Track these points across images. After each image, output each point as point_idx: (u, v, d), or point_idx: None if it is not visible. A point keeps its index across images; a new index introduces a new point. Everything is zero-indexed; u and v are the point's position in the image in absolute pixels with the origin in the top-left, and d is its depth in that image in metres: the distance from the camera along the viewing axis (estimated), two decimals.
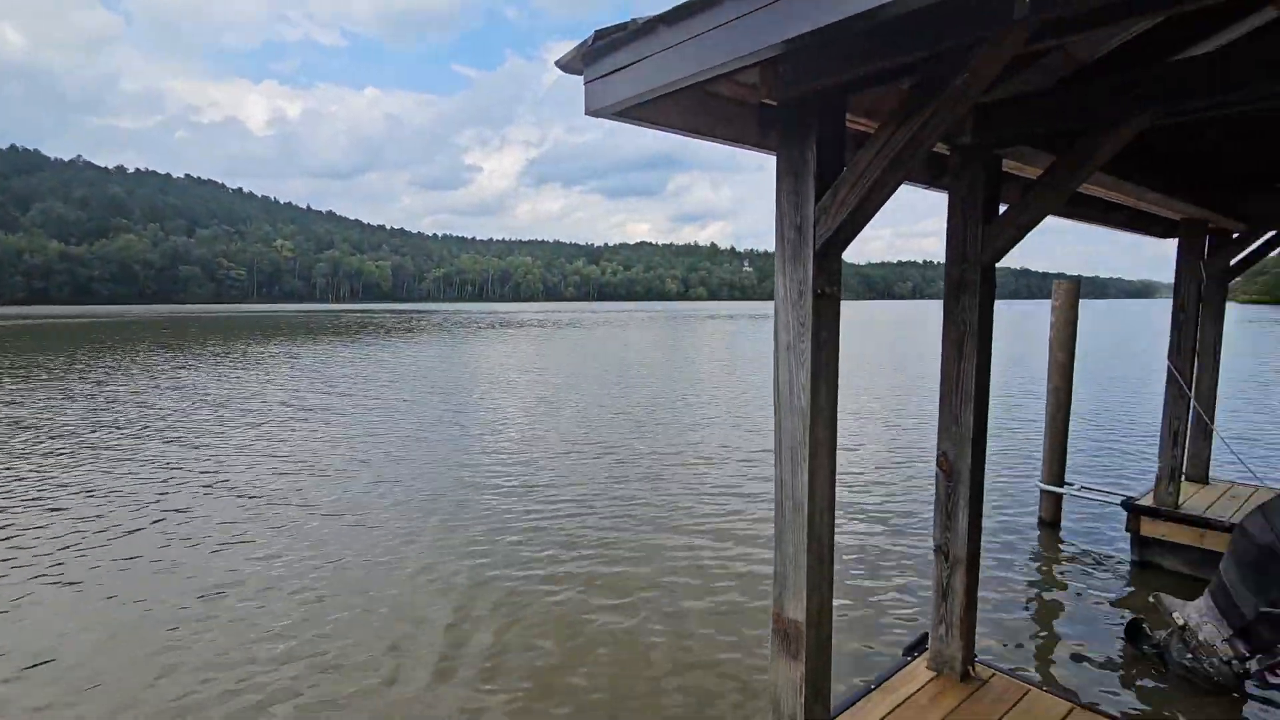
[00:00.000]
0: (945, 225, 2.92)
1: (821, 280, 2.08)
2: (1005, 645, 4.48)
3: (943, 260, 2.97)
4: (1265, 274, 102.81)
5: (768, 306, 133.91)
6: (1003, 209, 2.88)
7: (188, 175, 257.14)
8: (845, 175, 1.97)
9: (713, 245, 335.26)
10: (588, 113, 2.19)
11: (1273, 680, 3.56)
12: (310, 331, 43.58)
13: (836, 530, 6.15)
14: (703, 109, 2.34)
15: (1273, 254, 6.66)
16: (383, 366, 22.07)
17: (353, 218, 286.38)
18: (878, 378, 19.28)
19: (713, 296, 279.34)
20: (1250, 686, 3.77)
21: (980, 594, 5.04)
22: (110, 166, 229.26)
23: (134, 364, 22.54)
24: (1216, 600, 3.77)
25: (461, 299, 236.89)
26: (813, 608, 2.21)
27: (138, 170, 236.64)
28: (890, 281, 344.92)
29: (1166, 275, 6.14)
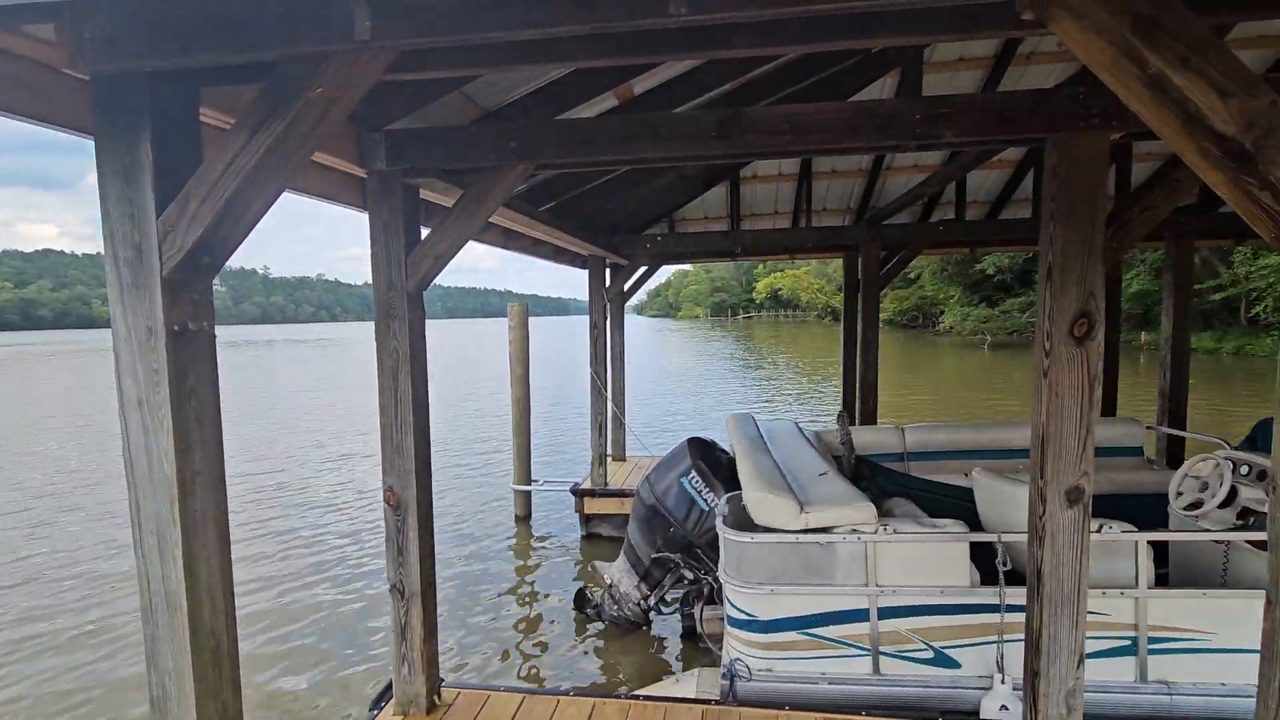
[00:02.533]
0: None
1: (181, 313, 1.64)
2: (481, 657, 4.73)
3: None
4: (659, 295, 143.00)
5: (250, 331, 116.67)
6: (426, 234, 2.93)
7: None
8: (194, 184, 1.59)
9: None
10: None
11: (664, 609, 4.69)
12: None
13: (290, 597, 5.34)
14: None
15: (655, 280, 9.05)
16: None
17: None
18: (332, 413, 18.68)
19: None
20: (654, 618, 4.91)
21: (458, 610, 5.28)
22: None
23: None
24: (628, 556, 4.76)
25: None
26: None
27: None
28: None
29: (576, 294, 7.62)
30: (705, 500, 4.34)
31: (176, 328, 1.63)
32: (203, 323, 1.71)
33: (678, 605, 4.63)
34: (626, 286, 8.01)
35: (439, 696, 3.05)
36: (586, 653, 4.69)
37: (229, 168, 1.58)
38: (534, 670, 4.52)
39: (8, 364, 38.60)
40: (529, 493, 7.54)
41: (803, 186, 6.71)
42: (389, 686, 3.06)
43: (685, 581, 4.46)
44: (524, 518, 7.52)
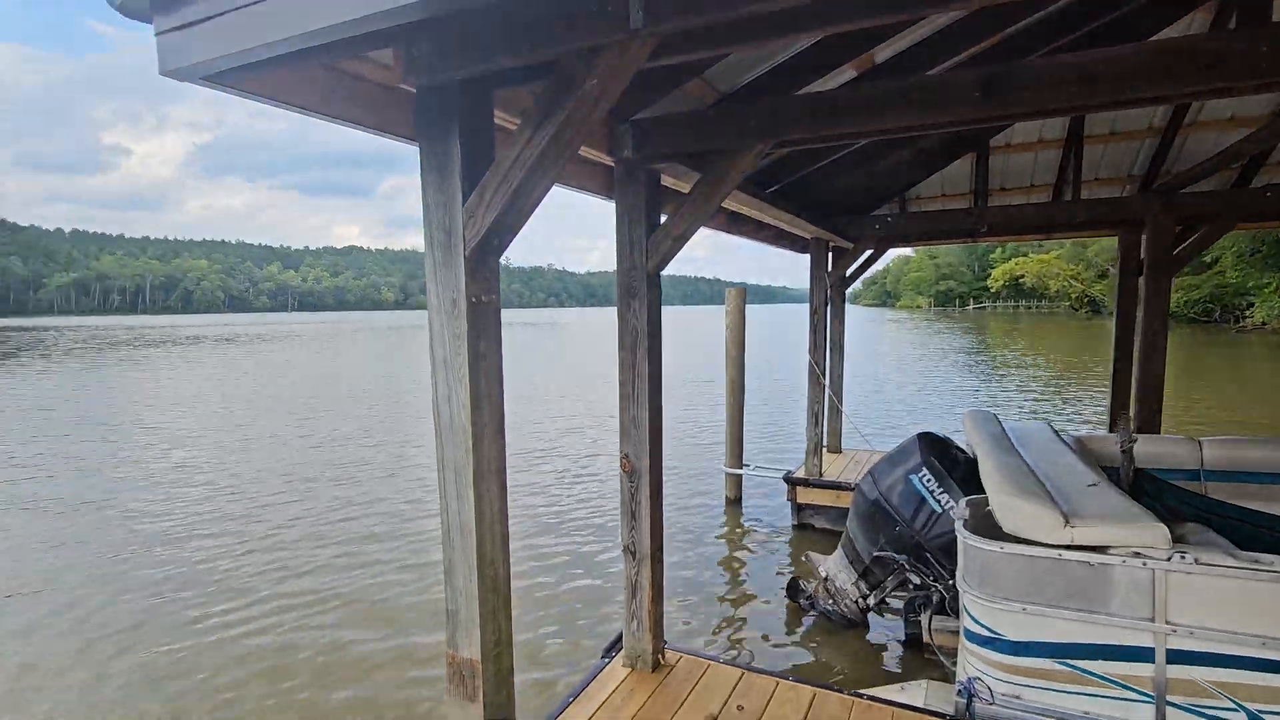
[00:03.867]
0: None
1: (477, 288, 1.91)
2: (691, 626, 4.89)
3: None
4: (875, 283, 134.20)
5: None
6: (664, 219, 3.07)
7: None
8: (489, 176, 1.83)
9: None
10: (164, 72, 1.71)
11: (884, 611, 4.44)
12: None
13: (537, 547, 6.21)
14: (336, 87, 2.01)
15: (876, 266, 8.54)
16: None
17: None
18: (585, 384, 20.27)
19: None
20: (871, 618, 4.67)
21: (673, 579, 5.52)
22: None
23: None
24: (845, 551, 4.58)
25: (106, 310, 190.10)
26: (488, 642, 2.03)
27: None
28: (610, 288, 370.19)
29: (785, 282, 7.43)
30: (938, 501, 4.01)
31: (474, 300, 1.90)
32: (491, 296, 1.97)
33: (902, 610, 4.35)
34: (849, 272, 7.63)
35: (663, 656, 3.22)
36: (798, 642, 4.62)
37: (516, 161, 1.80)
38: (746, 649, 4.56)
39: (332, 337, 48.40)
40: (740, 476, 7.60)
41: (1070, 152, 5.79)
42: (619, 638, 3.30)
43: (910, 586, 4.17)
44: (734, 500, 7.60)
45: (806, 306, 6.96)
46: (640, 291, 2.95)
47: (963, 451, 4.35)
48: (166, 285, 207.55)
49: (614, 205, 3.02)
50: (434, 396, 1.98)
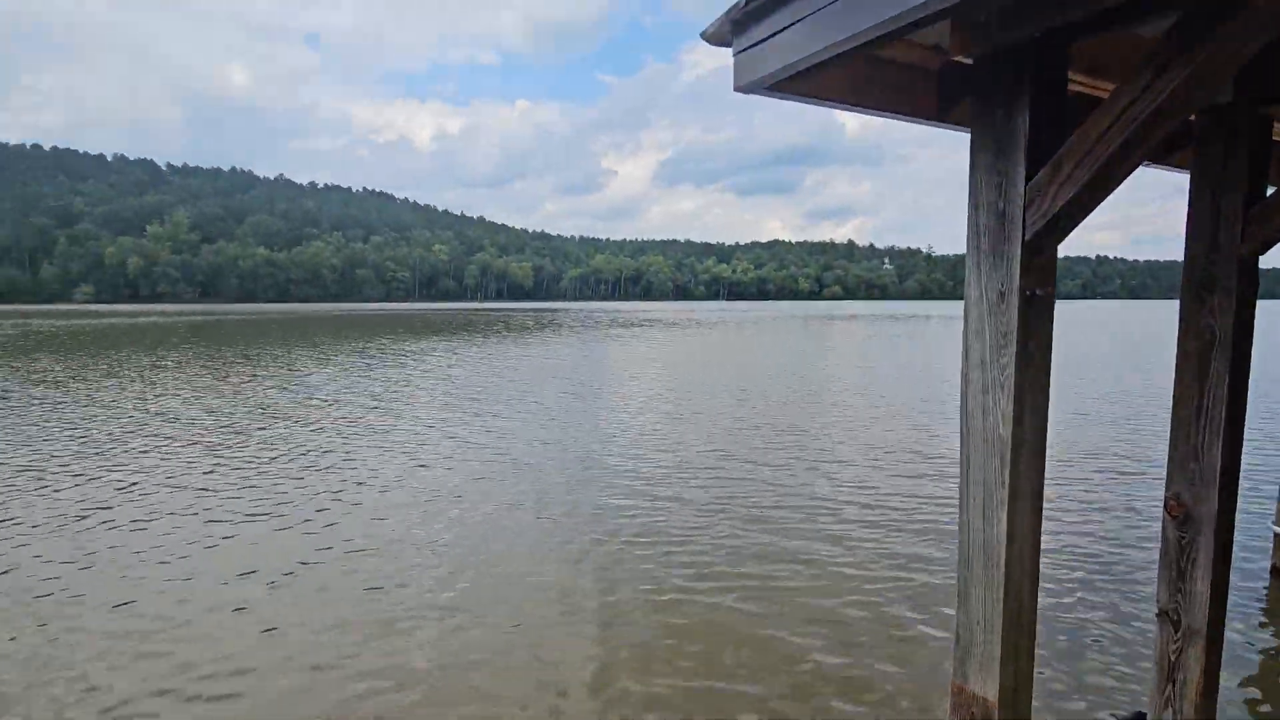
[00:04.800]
0: (1185, 210, 2.32)
1: (1032, 279, 1.65)
2: None
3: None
4: None
5: (909, 307, 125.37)
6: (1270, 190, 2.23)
7: (365, 188, 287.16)
8: (1072, 146, 1.53)
9: (850, 242, 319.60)
10: (737, 88, 1.91)
11: None
12: (460, 328, 46.70)
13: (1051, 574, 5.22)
14: (871, 78, 1.99)
15: None
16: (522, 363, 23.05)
17: (500, 222, 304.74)
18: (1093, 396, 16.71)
19: (849, 296, 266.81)
20: None
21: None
22: (305, 183, 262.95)
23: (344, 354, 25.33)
24: None
25: (596, 298, 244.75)
26: (1006, 683, 1.78)
27: (326, 185, 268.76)
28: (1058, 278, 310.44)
29: None
30: None
31: (1028, 293, 1.65)
32: (1047, 287, 1.68)
33: None
34: None
35: None
36: None
37: (1111, 128, 1.46)
38: None
39: (752, 325, 52.97)
40: None
41: None
42: (1138, 717, 2.62)
43: None
44: None
45: None
46: (1223, 282, 2.21)
47: None
48: (633, 278, 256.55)
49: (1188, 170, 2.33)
50: (964, 399, 1.80)
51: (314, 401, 14.46)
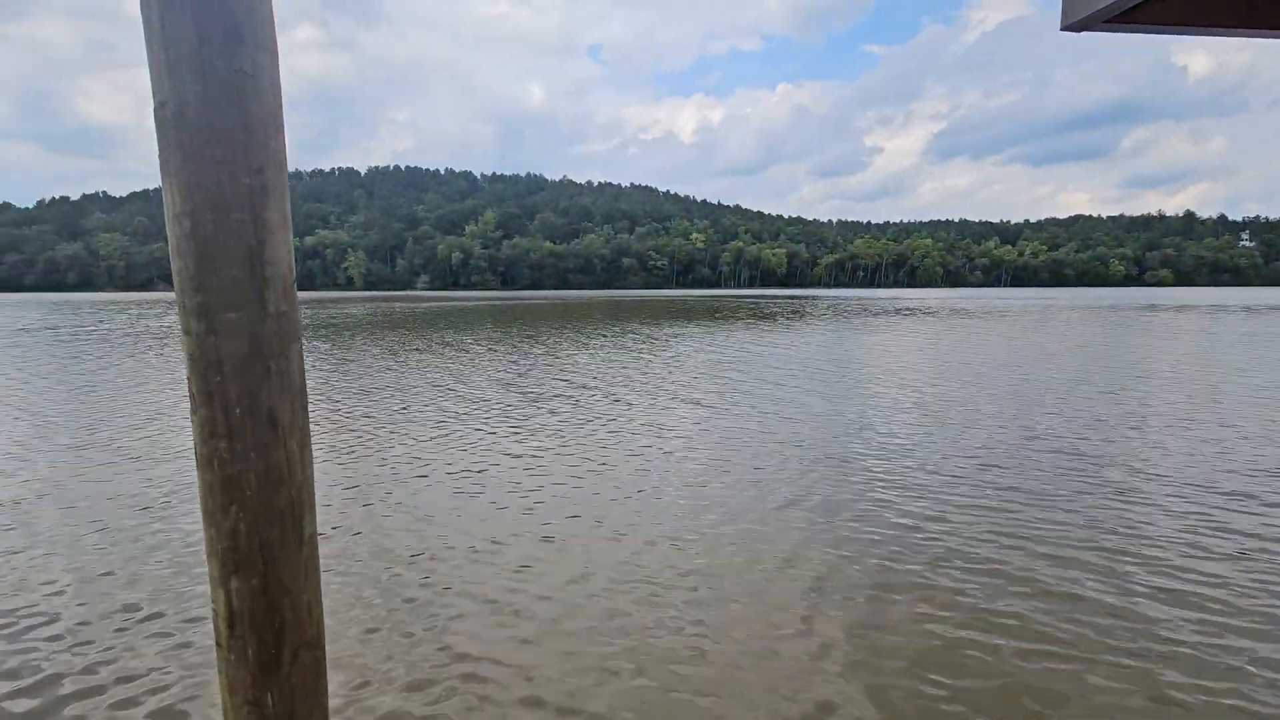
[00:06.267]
0: None
1: None
2: None
3: None
4: None
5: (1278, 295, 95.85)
6: None
7: (632, 183, 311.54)
8: None
9: (1188, 214, 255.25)
10: (1065, 27, 1.95)
11: None
12: (720, 315, 48.10)
13: None
14: None
15: None
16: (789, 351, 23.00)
17: (755, 209, 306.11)
18: None
19: (1183, 281, 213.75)
20: None
21: None
22: (583, 182, 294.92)
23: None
24: None
25: (853, 284, 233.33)
26: None
27: (600, 183, 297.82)
28: None
29: None
30: None
31: None
32: None
33: None
34: None
35: None
36: None
37: None
38: None
39: (1039, 316, 45.72)
40: None
41: None
42: None
43: None
44: None
45: None
46: None
47: None
48: (896, 263, 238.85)
49: None
50: None
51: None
